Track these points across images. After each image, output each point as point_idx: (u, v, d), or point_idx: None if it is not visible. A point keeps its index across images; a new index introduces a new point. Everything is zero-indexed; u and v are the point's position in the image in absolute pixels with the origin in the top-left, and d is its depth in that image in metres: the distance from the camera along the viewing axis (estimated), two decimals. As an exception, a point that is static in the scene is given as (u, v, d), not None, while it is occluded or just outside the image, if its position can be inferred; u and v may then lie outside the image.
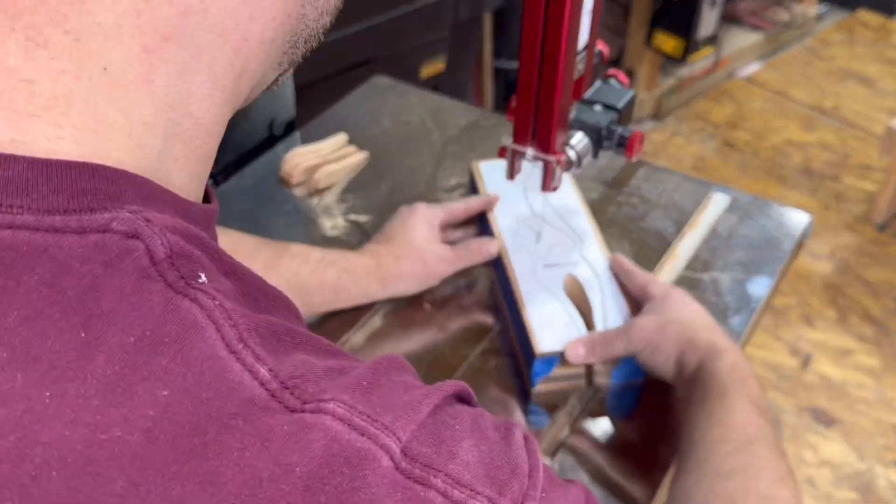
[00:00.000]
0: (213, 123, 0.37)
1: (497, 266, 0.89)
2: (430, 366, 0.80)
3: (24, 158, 0.31)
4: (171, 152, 0.36)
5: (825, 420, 1.82)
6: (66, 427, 0.29)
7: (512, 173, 0.83)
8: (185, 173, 0.37)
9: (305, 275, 0.79)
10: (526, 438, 0.39)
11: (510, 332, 0.84)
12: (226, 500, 0.30)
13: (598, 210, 0.97)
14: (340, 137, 1.08)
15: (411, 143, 1.09)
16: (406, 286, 0.86)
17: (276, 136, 1.09)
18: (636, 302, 0.81)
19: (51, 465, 0.29)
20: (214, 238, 0.40)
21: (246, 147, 1.07)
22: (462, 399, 0.40)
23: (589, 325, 0.80)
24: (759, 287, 0.88)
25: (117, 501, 0.29)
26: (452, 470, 0.34)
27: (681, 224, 0.95)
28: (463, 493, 0.34)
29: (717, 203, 0.98)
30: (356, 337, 0.83)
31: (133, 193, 0.33)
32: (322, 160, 1.03)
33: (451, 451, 0.35)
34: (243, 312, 0.33)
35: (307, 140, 1.08)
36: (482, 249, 0.88)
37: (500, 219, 0.92)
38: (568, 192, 0.95)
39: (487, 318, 0.86)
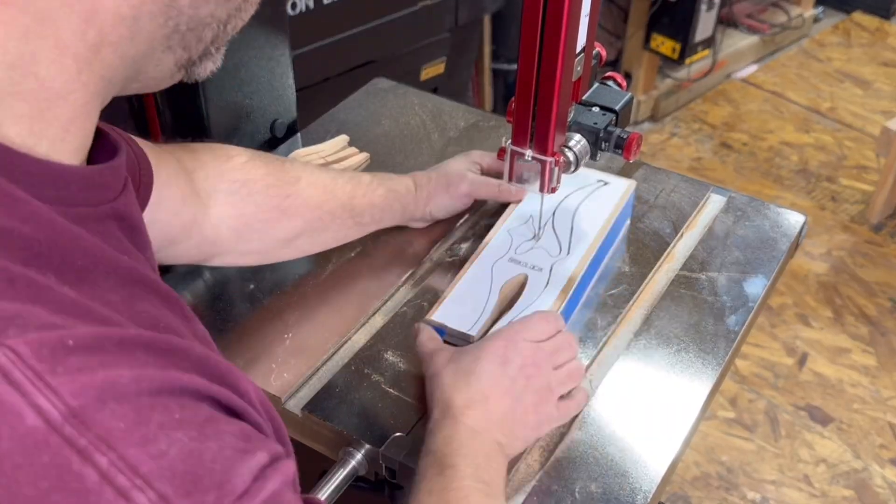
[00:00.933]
0: (66, 90, 0.39)
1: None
2: (431, 364, 0.81)
3: None
4: (11, 109, 0.38)
5: (821, 418, 1.83)
6: None
7: (510, 175, 0.85)
8: (27, 131, 0.39)
9: (358, 197, 0.85)
10: (276, 468, 0.36)
11: None
12: None
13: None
14: (342, 139, 1.09)
15: (412, 145, 1.10)
16: (437, 205, 0.91)
17: (277, 138, 1.09)
18: None
19: None
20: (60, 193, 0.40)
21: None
22: (227, 408, 0.37)
23: (493, 323, 0.81)
24: (756, 286, 0.89)
25: None
26: (132, 455, 0.32)
27: (678, 224, 0.95)
28: (130, 481, 0.32)
29: (714, 204, 0.99)
30: (357, 336, 0.84)
31: None
32: (323, 161, 1.04)
33: (149, 436, 0.33)
34: None
35: (308, 142, 1.09)
36: (511, 191, 0.91)
37: (517, 210, 0.92)
38: (611, 200, 0.93)
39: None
